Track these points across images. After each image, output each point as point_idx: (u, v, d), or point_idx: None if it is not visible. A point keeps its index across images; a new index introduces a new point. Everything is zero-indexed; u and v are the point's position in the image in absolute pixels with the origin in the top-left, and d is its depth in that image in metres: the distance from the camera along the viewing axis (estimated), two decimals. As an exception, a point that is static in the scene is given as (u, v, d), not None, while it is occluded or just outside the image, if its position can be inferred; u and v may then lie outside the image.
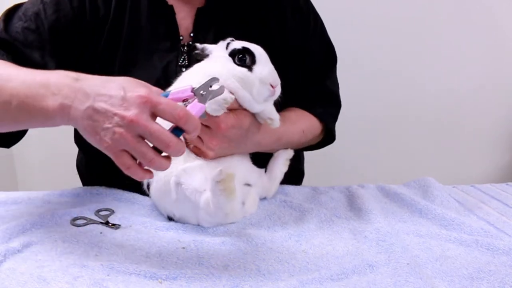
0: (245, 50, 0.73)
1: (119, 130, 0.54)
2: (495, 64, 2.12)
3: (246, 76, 0.72)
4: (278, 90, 0.75)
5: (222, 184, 0.66)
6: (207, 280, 0.57)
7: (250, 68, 0.73)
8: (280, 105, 0.85)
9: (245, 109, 0.76)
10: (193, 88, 0.60)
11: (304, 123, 0.93)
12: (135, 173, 0.57)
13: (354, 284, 0.57)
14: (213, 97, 0.61)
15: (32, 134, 0.85)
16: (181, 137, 0.67)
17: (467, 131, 2.19)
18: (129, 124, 0.54)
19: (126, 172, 0.57)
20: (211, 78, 0.60)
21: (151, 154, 0.55)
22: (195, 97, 0.60)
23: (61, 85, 0.58)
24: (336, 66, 1.05)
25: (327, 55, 1.02)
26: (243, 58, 0.73)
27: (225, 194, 0.67)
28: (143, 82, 0.59)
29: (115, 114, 0.54)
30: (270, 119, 0.77)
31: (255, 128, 0.79)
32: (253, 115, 0.78)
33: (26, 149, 2.30)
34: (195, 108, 0.59)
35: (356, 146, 2.05)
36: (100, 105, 0.55)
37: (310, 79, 0.99)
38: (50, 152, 2.29)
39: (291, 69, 0.94)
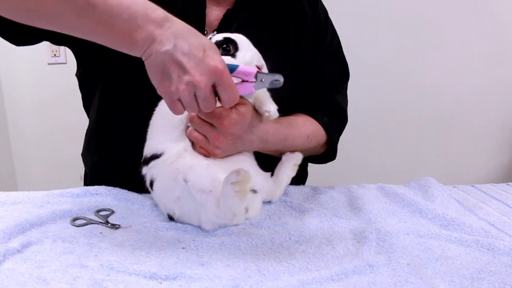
0: (227, 40, 0.74)
1: (182, 86, 0.61)
2: (495, 64, 2.12)
3: (231, 62, 0.73)
4: (265, 71, 0.75)
5: (238, 185, 0.66)
6: (207, 280, 0.57)
7: (233, 55, 0.74)
8: (286, 110, 0.85)
9: (244, 103, 0.76)
10: (257, 73, 0.67)
11: (310, 129, 0.94)
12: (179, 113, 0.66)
13: (354, 284, 0.57)
14: (270, 87, 0.70)
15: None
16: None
17: (467, 131, 2.19)
18: (195, 85, 0.60)
19: (176, 114, 0.66)
20: (278, 74, 0.69)
21: (196, 109, 0.64)
22: (255, 80, 0.68)
23: (148, 21, 0.60)
24: (348, 83, 1.05)
25: (339, 71, 1.04)
26: (227, 48, 0.74)
27: (239, 196, 0.67)
28: (218, 51, 0.64)
29: (187, 72, 0.60)
30: (267, 111, 0.77)
31: (257, 121, 0.80)
32: (254, 109, 0.78)
33: (26, 149, 2.30)
34: (247, 88, 0.68)
35: (356, 146, 2.05)
36: (178, 56, 0.60)
37: (320, 90, 1.00)
38: (50, 152, 2.29)
39: (302, 78, 0.96)
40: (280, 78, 0.68)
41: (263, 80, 0.68)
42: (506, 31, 2.08)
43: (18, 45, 0.83)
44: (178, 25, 0.62)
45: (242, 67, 0.67)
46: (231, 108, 0.73)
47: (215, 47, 0.64)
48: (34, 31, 0.65)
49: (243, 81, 0.68)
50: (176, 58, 0.60)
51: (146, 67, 0.63)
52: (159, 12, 0.61)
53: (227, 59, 0.74)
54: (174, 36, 0.60)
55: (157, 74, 0.62)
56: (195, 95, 0.62)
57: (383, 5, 2.03)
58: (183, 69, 0.60)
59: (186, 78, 0.60)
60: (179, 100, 0.63)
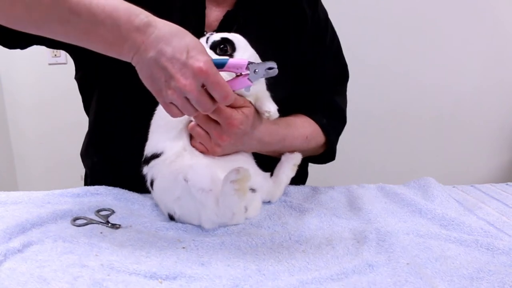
0: (224, 40, 0.74)
1: (170, 91, 0.61)
2: (495, 64, 2.12)
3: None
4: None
5: (238, 183, 0.66)
6: (207, 280, 0.57)
7: (231, 55, 0.74)
8: (286, 110, 0.85)
9: (247, 105, 0.76)
10: (249, 64, 0.65)
11: (309, 130, 0.94)
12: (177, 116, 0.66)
13: (354, 284, 0.57)
14: (265, 76, 0.67)
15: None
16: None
17: (467, 131, 2.19)
18: (182, 90, 0.60)
19: (173, 117, 0.66)
20: (270, 62, 0.66)
21: (192, 112, 0.64)
22: (248, 71, 0.66)
23: (131, 28, 0.60)
24: (347, 84, 1.06)
25: (338, 72, 1.04)
26: (224, 48, 0.74)
27: (238, 194, 0.67)
28: (204, 48, 0.63)
29: (172, 77, 0.60)
30: (267, 111, 0.77)
31: (258, 121, 0.80)
32: (255, 110, 0.78)
33: (26, 149, 2.30)
34: (242, 82, 0.66)
35: (356, 146, 2.05)
36: (162, 61, 0.60)
37: (319, 91, 1.00)
38: (50, 152, 2.29)
39: (302, 78, 0.96)
40: (273, 65, 0.66)
41: (256, 70, 0.66)
42: (506, 31, 2.08)
43: (10, 48, 0.82)
44: (162, 28, 0.61)
45: (232, 61, 0.65)
46: (237, 108, 0.74)
47: (200, 45, 0.63)
48: (26, 35, 0.66)
49: (237, 76, 0.67)
50: (161, 64, 0.60)
51: (138, 72, 0.63)
52: (142, 17, 0.61)
53: (218, 56, 0.73)
54: (157, 41, 0.60)
55: (147, 80, 0.63)
56: (187, 99, 0.62)
57: (383, 5, 2.03)
58: (168, 74, 0.60)
59: (173, 83, 0.60)
60: (174, 103, 0.63)
